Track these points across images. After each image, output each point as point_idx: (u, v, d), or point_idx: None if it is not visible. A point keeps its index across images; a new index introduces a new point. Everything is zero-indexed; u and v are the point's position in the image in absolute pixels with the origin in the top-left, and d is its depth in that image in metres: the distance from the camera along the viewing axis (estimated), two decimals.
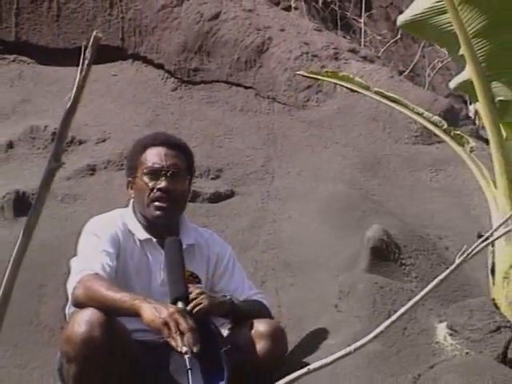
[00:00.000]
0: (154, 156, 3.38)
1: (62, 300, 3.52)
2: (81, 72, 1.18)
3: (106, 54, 7.35)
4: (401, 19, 3.67)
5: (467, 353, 3.21)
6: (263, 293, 3.68)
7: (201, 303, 3.04)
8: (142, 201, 3.35)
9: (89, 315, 2.89)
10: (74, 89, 1.19)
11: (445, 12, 3.46)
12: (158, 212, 3.32)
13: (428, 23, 3.56)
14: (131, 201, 3.45)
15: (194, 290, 3.09)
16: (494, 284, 3.49)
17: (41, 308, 4.30)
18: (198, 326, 2.95)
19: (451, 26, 3.45)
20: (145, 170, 3.36)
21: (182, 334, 2.77)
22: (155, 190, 3.32)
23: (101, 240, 3.23)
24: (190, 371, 2.76)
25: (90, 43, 1.18)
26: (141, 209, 3.37)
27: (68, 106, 1.19)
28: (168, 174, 3.34)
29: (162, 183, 3.32)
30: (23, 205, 5.07)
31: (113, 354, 2.89)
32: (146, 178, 3.35)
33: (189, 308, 2.99)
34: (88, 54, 1.18)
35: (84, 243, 3.27)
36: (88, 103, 6.53)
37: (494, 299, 3.45)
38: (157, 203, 3.33)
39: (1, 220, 5.13)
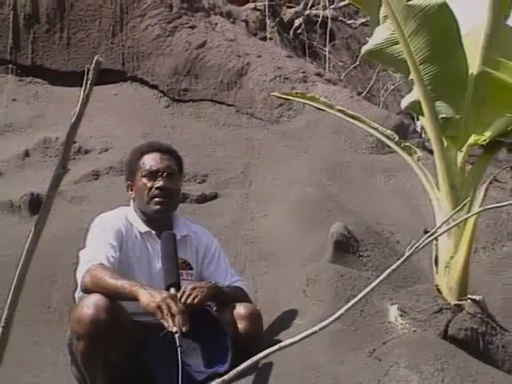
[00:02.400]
0: (150, 160, 3.40)
1: (71, 286, 3.51)
2: (84, 91, 1.17)
3: (108, 76, 7.35)
4: (364, 48, 3.68)
5: (414, 331, 3.21)
6: (242, 280, 3.67)
7: (197, 295, 3.04)
8: (143, 199, 3.36)
9: (96, 300, 2.88)
10: (78, 105, 1.17)
11: (397, 43, 3.46)
12: (157, 207, 3.33)
13: (385, 52, 3.57)
14: (131, 201, 3.45)
15: (187, 287, 3.08)
16: (437, 272, 3.49)
17: (52, 293, 4.28)
18: (199, 314, 2.98)
19: (402, 54, 3.46)
20: (143, 173, 3.37)
21: (173, 316, 2.77)
22: (154, 189, 3.33)
23: (106, 234, 3.23)
24: (179, 348, 2.75)
25: (92, 66, 1.17)
26: (141, 206, 3.37)
27: (73, 120, 1.18)
28: (164, 175, 3.36)
29: (160, 182, 3.34)
30: (37, 205, 5.05)
31: (116, 332, 2.88)
32: (144, 180, 3.36)
33: (189, 302, 2.99)
34: (90, 76, 1.17)
35: (92, 237, 3.26)
36: (93, 118, 6.52)
37: (437, 285, 3.46)
38: (156, 199, 3.34)
39: (18, 218, 5.12)
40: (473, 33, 3.54)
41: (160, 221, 3.38)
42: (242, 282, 3.56)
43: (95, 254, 3.13)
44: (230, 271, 3.54)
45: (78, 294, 3.14)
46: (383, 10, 3.45)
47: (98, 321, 2.84)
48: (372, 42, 3.61)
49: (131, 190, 3.45)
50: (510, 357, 3.24)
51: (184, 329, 2.77)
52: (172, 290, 2.97)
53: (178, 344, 2.75)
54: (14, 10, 7.92)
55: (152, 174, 3.36)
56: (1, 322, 1.43)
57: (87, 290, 2.99)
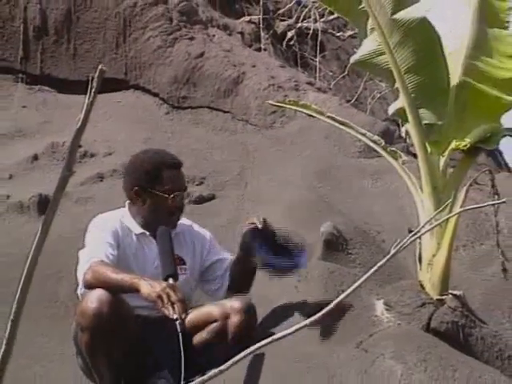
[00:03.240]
0: (175, 177, 3.33)
1: (76, 282, 3.49)
2: (88, 98, 1.17)
3: (112, 85, 7.35)
4: (353, 58, 3.68)
5: (399, 324, 3.21)
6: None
7: None
8: (157, 212, 3.29)
9: (99, 294, 2.88)
10: (83, 112, 1.17)
11: (383, 53, 3.46)
12: (172, 224, 3.32)
13: (372, 62, 3.56)
14: (127, 202, 3.40)
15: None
16: (420, 269, 3.49)
17: (58, 288, 4.27)
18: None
19: (388, 64, 3.45)
20: (169, 190, 3.28)
21: (172, 304, 2.77)
22: (173, 207, 3.30)
23: (104, 233, 3.19)
24: (180, 335, 2.75)
25: (96, 75, 1.17)
26: (150, 216, 3.31)
27: (78, 126, 1.18)
28: (183, 194, 3.35)
29: (179, 202, 3.32)
30: (45, 205, 5.04)
31: (118, 325, 2.88)
32: (165, 195, 3.27)
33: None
34: (95, 84, 1.17)
35: (91, 236, 3.23)
36: (98, 124, 6.52)
37: (420, 281, 3.46)
38: (173, 217, 3.33)
39: (27, 217, 5.11)
40: (456, 44, 3.55)
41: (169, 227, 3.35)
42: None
43: (95, 252, 3.11)
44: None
45: (80, 290, 3.11)
46: (370, 23, 3.46)
47: (100, 314, 2.84)
48: (360, 53, 3.61)
49: (136, 195, 3.33)
50: (489, 348, 3.24)
51: (183, 316, 2.77)
52: (170, 281, 2.96)
53: (178, 330, 2.75)
54: (24, 22, 7.95)
55: (175, 192, 3.30)
56: (10, 315, 1.43)
57: (90, 286, 2.97)
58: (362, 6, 3.41)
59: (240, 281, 3.48)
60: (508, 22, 3.54)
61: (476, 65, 3.47)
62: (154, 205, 3.30)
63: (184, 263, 3.37)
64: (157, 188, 3.29)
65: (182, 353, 2.74)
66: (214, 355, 2.94)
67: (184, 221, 3.54)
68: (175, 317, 2.74)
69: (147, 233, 3.31)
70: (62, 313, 4.11)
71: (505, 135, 3.55)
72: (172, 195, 3.27)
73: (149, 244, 3.30)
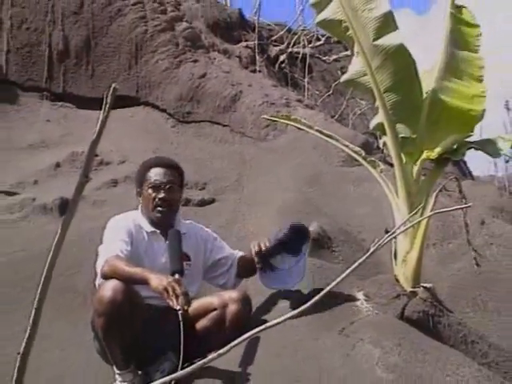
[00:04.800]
0: (156, 174, 3.33)
1: (93, 274, 3.48)
2: (103, 113, 1.16)
3: (125, 101, 7.36)
4: (343, 78, 3.68)
5: (377, 313, 3.20)
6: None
7: None
8: (148, 206, 3.31)
9: (114, 284, 2.87)
10: (98, 125, 1.16)
11: (366, 74, 3.46)
12: (158, 215, 3.29)
13: (357, 81, 3.56)
14: (140, 205, 3.41)
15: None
16: (395, 265, 3.49)
17: (76, 280, 4.25)
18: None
19: (370, 84, 3.45)
20: (149, 185, 3.31)
21: (177, 296, 2.76)
22: (157, 200, 3.29)
23: (119, 232, 3.20)
24: (181, 323, 2.74)
25: (110, 92, 1.16)
26: (146, 212, 3.33)
27: (94, 137, 1.17)
28: (166, 188, 3.31)
29: (162, 194, 3.29)
30: (66, 207, 5.01)
31: (130, 311, 2.87)
32: (150, 190, 3.30)
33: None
34: (108, 100, 1.16)
35: (108, 234, 3.23)
36: (112, 136, 6.51)
37: (395, 275, 3.45)
38: (158, 208, 3.30)
39: (50, 218, 5.10)
40: (431, 65, 3.56)
41: (163, 223, 3.35)
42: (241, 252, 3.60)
43: (112, 248, 3.11)
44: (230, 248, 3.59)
45: (98, 281, 3.12)
46: (356, 47, 3.46)
47: (115, 301, 2.83)
48: (348, 73, 3.62)
49: (139, 195, 3.40)
50: (454, 334, 3.24)
51: (186, 307, 2.77)
52: (176, 276, 2.96)
53: (180, 319, 2.74)
54: (49, 47, 8.00)
55: (156, 187, 3.29)
56: (34, 304, 1.42)
57: (106, 277, 2.98)
58: (350, 32, 3.41)
59: (247, 272, 3.54)
60: (478, 46, 3.54)
61: (447, 85, 3.47)
62: (143, 199, 3.34)
63: (189, 259, 3.36)
64: (143, 185, 3.35)
65: (182, 339, 2.73)
66: (214, 340, 2.93)
67: (192, 223, 3.55)
68: (178, 308, 2.74)
69: (157, 231, 3.31)
70: (79, 302, 4.09)
71: (470, 147, 3.55)
72: (151, 186, 3.29)
73: (158, 241, 3.30)
